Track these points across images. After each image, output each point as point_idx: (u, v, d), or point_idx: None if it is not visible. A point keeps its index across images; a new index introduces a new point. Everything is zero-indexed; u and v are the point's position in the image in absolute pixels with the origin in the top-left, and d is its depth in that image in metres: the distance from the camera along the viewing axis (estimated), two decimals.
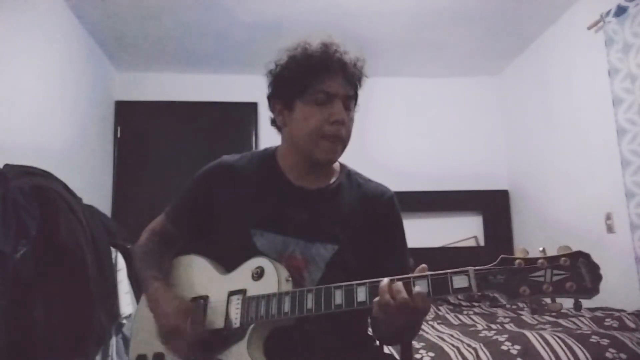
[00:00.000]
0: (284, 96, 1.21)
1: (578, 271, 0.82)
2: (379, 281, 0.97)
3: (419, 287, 0.91)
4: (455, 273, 0.90)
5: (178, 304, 1.15)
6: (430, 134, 4.31)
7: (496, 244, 4.06)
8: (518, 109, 4.14)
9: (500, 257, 0.89)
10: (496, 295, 0.86)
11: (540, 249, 0.85)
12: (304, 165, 1.24)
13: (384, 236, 1.25)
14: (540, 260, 0.84)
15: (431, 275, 0.92)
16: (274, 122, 1.27)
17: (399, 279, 0.95)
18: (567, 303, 0.86)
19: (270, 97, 1.25)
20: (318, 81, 1.16)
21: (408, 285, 0.93)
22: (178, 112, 4.16)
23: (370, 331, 1.33)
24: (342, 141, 1.19)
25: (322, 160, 1.20)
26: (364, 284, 0.99)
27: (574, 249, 0.85)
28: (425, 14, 3.33)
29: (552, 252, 0.85)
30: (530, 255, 0.86)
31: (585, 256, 0.83)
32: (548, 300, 0.84)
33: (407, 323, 0.96)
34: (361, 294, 0.98)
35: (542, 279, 0.84)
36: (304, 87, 1.16)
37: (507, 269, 0.87)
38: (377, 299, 0.94)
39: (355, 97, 1.23)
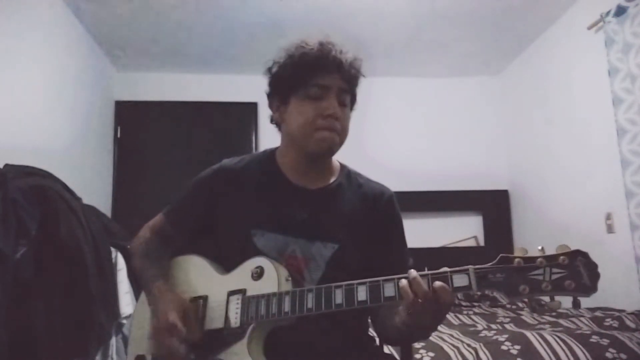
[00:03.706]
0: (280, 92, 1.24)
1: (577, 270, 0.82)
2: (379, 280, 0.97)
3: (458, 281, 0.90)
4: (455, 272, 0.91)
5: (178, 303, 1.15)
6: (431, 134, 4.31)
7: (496, 244, 4.05)
8: (518, 109, 4.14)
9: (500, 255, 0.89)
10: (495, 293, 0.86)
11: (539, 247, 0.86)
12: (302, 162, 1.25)
13: (384, 235, 1.25)
14: (539, 259, 0.84)
15: (431, 274, 0.92)
16: (272, 120, 1.29)
17: (399, 278, 0.95)
18: (567, 303, 0.86)
19: (269, 94, 1.28)
20: (312, 76, 1.18)
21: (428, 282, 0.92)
22: (178, 112, 4.16)
23: (371, 331, 1.33)
24: (337, 134, 1.19)
25: (317, 151, 1.20)
26: (364, 283, 0.99)
27: (574, 248, 0.85)
28: (425, 14, 3.33)
29: (551, 251, 0.85)
30: (529, 254, 0.86)
31: (584, 255, 0.83)
32: (547, 299, 0.84)
33: (433, 318, 0.94)
34: (361, 293, 0.98)
35: (541, 277, 0.84)
36: (299, 83, 1.19)
37: (506, 267, 0.87)
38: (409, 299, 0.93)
39: (350, 93, 1.24)
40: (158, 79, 4.17)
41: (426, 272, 0.94)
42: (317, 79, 1.18)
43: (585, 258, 0.83)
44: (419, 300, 0.90)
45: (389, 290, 0.96)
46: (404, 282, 0.93)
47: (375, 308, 1.20)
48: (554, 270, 0.83)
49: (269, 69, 1.25)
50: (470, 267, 0.90)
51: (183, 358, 1.10)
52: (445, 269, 0.93)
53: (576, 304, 0.82)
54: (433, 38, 3.68)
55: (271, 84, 1.26)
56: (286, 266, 1.14)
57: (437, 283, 0.90)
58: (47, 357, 1.84)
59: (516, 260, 0.86)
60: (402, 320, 0.99)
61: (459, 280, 0.89)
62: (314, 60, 1.18)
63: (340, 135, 1.20)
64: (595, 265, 0.82)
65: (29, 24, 2.70)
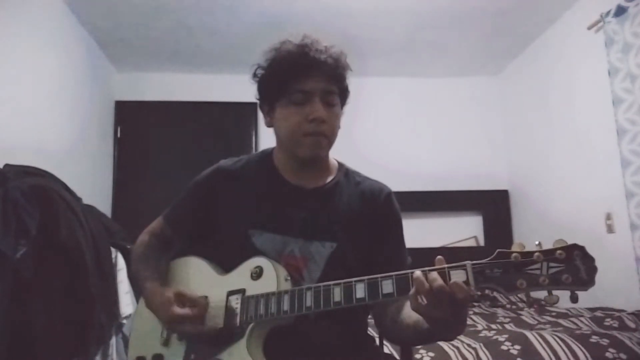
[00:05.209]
0: (266, 99, 1.23)
1: (574, 263, 0.82)
2: (376, 278, 0.97)
3: (455, 277, 0.88)
4: (453, 268, 0.90)
5: (171, 293, 1.15)
6: (431, 134, 4.31)
7: (496, 244, 3.92)
8: (518, 109, 4.15)
9: (497, 251, 0.89)
10: (495, 293, 0.86)
11: (537, 242, 0.86)
12: (294, 164, 1.25)
13: (382, 233, 1.25)
14: (536, 254, 0.84)
15: (429, 270, 0.92)
16: (266, 123, 1.28)
17: (397, 275, 0.95)
18: (566, 303, 0.86)
19: (258, 99, 1.27)
20: (294, 82, 1.16)
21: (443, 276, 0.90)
22: (178, 112, 4.17)
23: (370, 331, 1.33)
24: (325, 137, 1.19)
25: (306, 157, 1.20)
26: (362, 280, 0.99)
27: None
28: (425, 14, 3.33)
29: (548, 247, 0.85)
30: (527, 249, 0.86)
31: (581, 249, 0.83)
32: (545, 293, 0.84)
33: (449, 315, 0.89)
34: (360, 291, 0.98)
35: (538, 271, 0.84)
36: (281, 90, 1.18)
37: (503, 262, 0.87)
38: (412, 291, 0.90)
39: (338, 92, 1.22)
40: (158, 79, 4.18)
41: (425, 268, 0.93)
42: (298, 85, 1.16)
43: (582, 252, 0.82)
44: (430, 290, 0.87)
45: (387, 287, 0.96)
46: (418, 272, 0.92)
47: (381, 309, 1.20)
48: (551, 264, 0.83)
49: (254, 74, 1.24)
50: (468, 262, 0.90)
51: (207, 330, 1.13)
52: (440, 257, 0.92)
53: (574, 298, 0.82)
54: (432, 38, 3.68)
55: (257, 90, 1.25)
56: (285, 266, 1.14)
57: (453, 279, 0.88)
58: (46, 357, 1.84)
59: (513, 255, 0.86)
60: (419, 318, 0.97)
61: (457, 276, 0.89)
62: (293, 66, 1.15)
63: (328, 137, 1.19)
64: (592, 259, 0.82)
65: (29, 24, 2.70)
